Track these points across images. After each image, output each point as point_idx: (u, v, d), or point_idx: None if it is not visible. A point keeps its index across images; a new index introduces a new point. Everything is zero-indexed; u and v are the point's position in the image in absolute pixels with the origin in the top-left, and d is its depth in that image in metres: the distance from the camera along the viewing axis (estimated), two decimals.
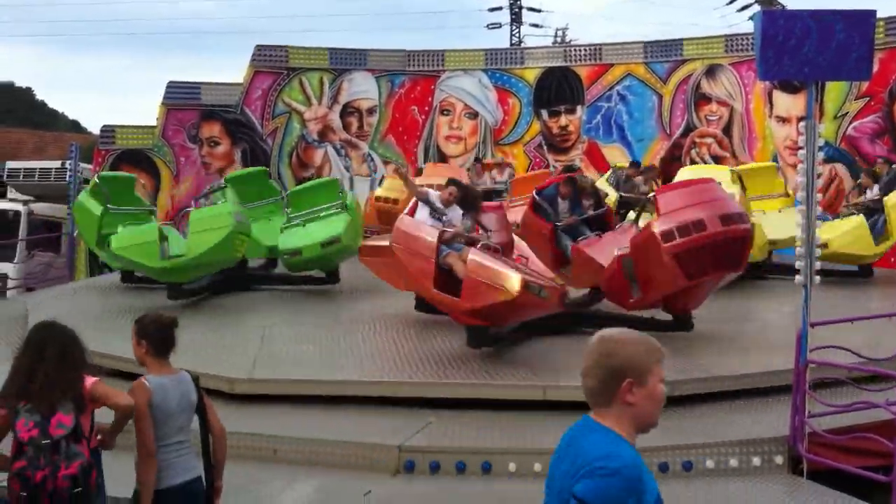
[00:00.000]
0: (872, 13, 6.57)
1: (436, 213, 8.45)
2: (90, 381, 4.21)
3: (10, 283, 14.91)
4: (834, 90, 15.23)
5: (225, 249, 10.33)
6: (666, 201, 8.39)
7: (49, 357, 4.15)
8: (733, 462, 6.16)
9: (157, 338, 4.44)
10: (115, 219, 11.20)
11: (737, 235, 8.19)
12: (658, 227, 8.06)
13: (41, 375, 4.10)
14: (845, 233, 11.43)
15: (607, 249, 8.86)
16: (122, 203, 11.72)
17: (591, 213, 9.99)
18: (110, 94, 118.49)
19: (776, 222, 11.52)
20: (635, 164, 14.91)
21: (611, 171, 14.60)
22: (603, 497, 2.26)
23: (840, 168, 15.20)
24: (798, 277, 6.42)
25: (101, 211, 11.39)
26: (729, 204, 8.51)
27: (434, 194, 8.66)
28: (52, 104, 65.44)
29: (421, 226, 8.31)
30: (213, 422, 4.60)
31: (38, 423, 4.01)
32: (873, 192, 12.19)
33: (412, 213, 8.57)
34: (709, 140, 16.85)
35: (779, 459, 6.17)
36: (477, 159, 16.76)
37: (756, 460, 6.18)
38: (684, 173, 12.28)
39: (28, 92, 64.03)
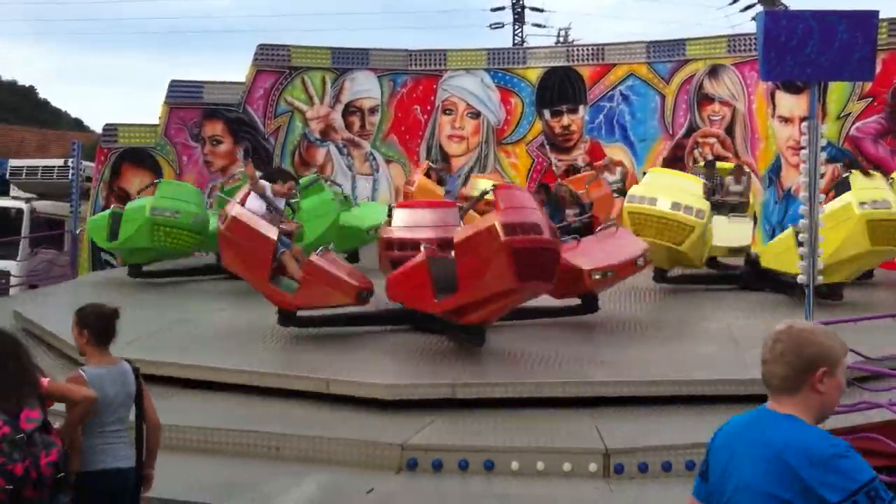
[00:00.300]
0: (875, 13, 6.58)
1: (270, 206, 9.66)
2: (44, 379, 4.28)
3: (14, 281, 14.93)
4: (837, 90, 15.22)
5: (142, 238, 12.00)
6: (506, 196, 8.02)
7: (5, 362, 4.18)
8: None
9: (97, 328, 4.57)
10: None
11: (557, 250, 7.94)
12: (500, 220, 7.49)
13: (2, 378, 4.13)
14: (772, 245, 11.58)
15: (588, 255, 9.03)
16: None
17: (572, 220, 10.22)
18: (114, 93, 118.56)
19: (725, 230, 12.10)
20: (711, 163, 15.03)
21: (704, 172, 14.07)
22: (866, 470, 2.34)
23: (842, 169, 15.17)
24: (801, 277, 6.44)
25: None
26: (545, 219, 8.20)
27: (269, 187, 9.85)
28: (55, 102, 65.49)
29: (258, 220, 9.03)
30: (150, 413, 4.72)
31: (6, 421, 4.06)
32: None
33: (243, 202, 9.37)
34: (711, 140, 16.84)
35: None
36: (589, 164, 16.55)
37: None
38: (653, 175, 12.20)
39: (31, 90, 64.08)
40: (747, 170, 14.74)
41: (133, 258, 12.79)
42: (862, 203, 9.86)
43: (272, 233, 8.77)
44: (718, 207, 12.69)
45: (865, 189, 10.20)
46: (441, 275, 7.77)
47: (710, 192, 12.66)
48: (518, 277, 7.42)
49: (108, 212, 12.92)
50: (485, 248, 7.50)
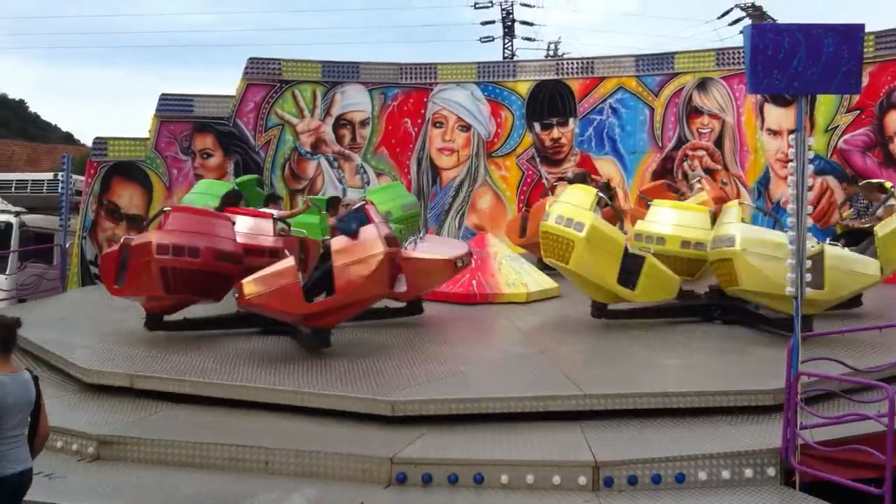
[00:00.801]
0: (861, 27, 6.62)
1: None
2: None
3: (2, 295, 14.86)
4: (825, 103, 15.31)
5: None
6: (176, 219, 9.59)
7: None
8: (726, 474, 6.17)
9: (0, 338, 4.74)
10: None
11: (223, 272, 9.38)
12: (157, 239, 9.28)
13: None
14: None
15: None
16: None
17: None
18: (104, 107, 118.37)
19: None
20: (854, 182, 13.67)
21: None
22: None
23: (831, 181, 15.26)
24: (788, 289, 6.46)
25: None
26: (228, 244, 9.60)
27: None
28: (45, 116, 65.34)
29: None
30: (43, 420, 4.96)
31: None
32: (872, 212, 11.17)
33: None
34: (700, 153, 16.92)
35: (771, 471, 6.18)
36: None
37: (748, 472, 6.19)
38: (566, 192, 10.92)
39: (22, 104, 63.97)
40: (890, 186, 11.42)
41: None
42: None
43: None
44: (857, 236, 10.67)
45: None
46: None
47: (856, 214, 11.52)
48: (166, 290, 9.23)
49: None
50: (144, 258, 9.20)
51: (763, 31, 6.80)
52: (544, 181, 17.39)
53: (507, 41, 43.27)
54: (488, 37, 43.39)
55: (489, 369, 8.31)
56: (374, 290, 8.92)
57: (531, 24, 44.37)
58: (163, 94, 16.96)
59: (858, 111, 15.14)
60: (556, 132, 17.71)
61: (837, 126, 15.31)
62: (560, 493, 6.08)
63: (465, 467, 6.28)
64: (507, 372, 8.11)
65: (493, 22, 43.37)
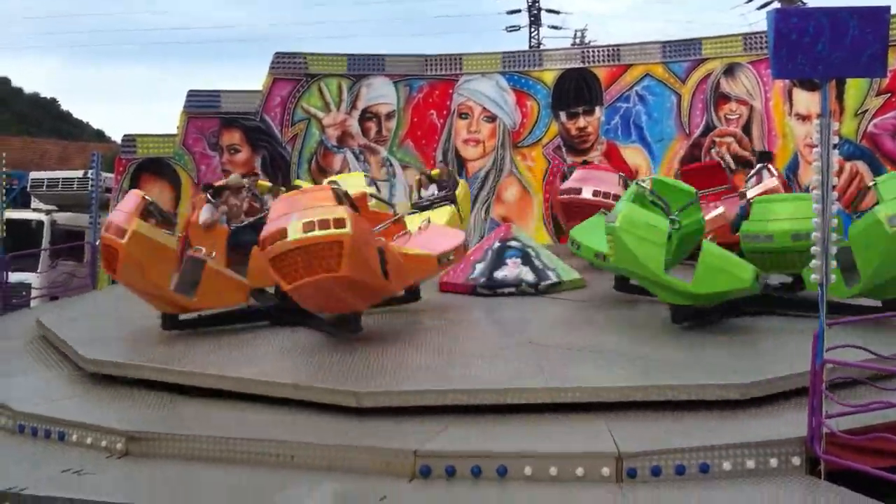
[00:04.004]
0: (886, 9, 6.51)
1: None
2: None
3: (34, 293, 15.09)
4: (854, 87, 15.12)
5: None
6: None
7: None
8: (750, 464, 6.12)
9: None
10: None
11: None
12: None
13: None
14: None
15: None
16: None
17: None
18: (135, 104, 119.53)
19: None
20: None
21: None
22: None
23: (861, 165, 15.08)
24: (813, 276, 6.39)
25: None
26: None
27: None
28: (77, 114, 66.15)
29: None
30: None
31: None
32: None
33: None
34: (728, 139, 16.77)
35: (796, 461, 6.13)
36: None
37: (773, 462, 6.14)
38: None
39: (53, 102, 64.75)
40: None
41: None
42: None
43: None
44: None
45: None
46: None
47: None
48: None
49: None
50: None
51: (787, 15, 6.71)
52: (566, 170, 17.30)
53: (533, 30, 43.13)
54: (514, 26, 43.30)
55: (509, 360, 8.29)
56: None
57: (557, 13, 44.13)
58: (190, 91, 17.11)
59: (888, 94, 14.94)
60: (582, 121, 17.62)
61: (867, 110, 15.12)
62: (583, 485, 6.07)
63: (489, 459, 6.28)
64: (527, 363, 8.10)
65: (518, 11, 43.27)
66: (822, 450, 5.99)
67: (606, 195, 12.62)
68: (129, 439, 7.11)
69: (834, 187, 6.52)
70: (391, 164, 17.81)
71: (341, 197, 8.33)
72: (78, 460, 6.90)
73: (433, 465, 6.32)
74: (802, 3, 34.94)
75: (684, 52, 17.32)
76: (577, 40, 42.93)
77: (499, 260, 11.65)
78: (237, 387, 7.89)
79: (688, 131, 17.01)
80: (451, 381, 7.54)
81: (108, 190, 17.03)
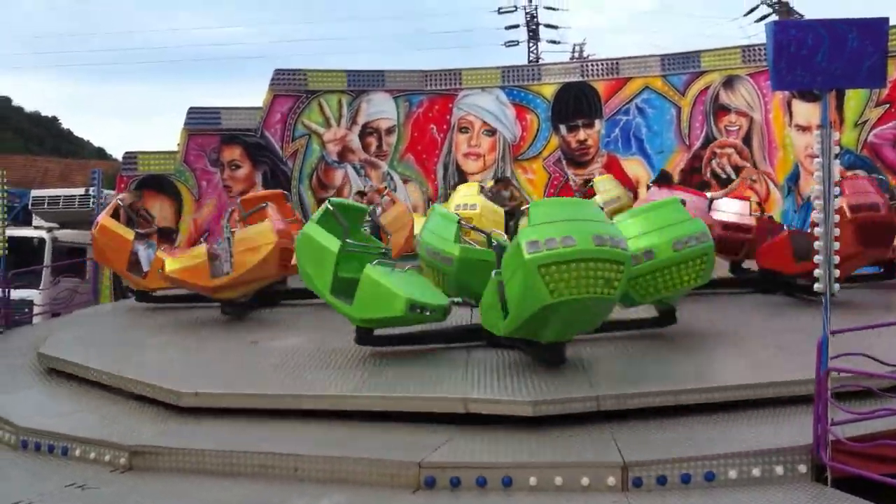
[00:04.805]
0: (885, 21, 6.54)
1: None
2: None
3: (37, 310, 15.09)
4: (854, 98, 15.17)
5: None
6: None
7: None
8: (756, 472, 6.12)
9: None
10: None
11: None
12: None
13: None
14: None
15: None
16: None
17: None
18: (135, 122, 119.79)
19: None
20: None
21: None
22: None
23: (862, 175, 15.09)
24: (817, 285, 6.39)
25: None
26: None
27: None
28: (78, 132, 66.32)
29: None
30: None
31: None
32: None
33: None
34: (729, 151, 16.81)
35: (802, 468, 6.12)
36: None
37: (779, 469, 6.13)
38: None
39: (54, 121, 64.92)
40: None
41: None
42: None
43: None
44: None
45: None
46: None
47: None
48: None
49: (491, 286, 8.11)
50: None
51: (785, 27, 6.74)
52: (571, 183, 17.35)
53: (531, 45, 43.26)
54: (513, 41, 43.41)
55: (513, 370, 8.29)
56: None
57: (555, 27, 44.22)
58: (191, 108, 17.18)
59: (888, 105, 14.98)
60: (582, 134, 17.67)
61: (867, 120, 15.16)
62: (589, 495, 6.06)
63: (493, 470, 6.28)
64: (532, 372, 8.09)
65: (517, 26, 43.42)
66: (828, 457, 5.98)
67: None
68: (132, 454, 7.11)
69: (835, 196, 6.55)
70: (392, 179, 17.84)
71: None
72: (81, 475, 6.90)
73: (438, 476, 6.32)
74: (800, 15, 35.10)
75: (683, 64, 17.38)
76: (576, 54, 43.06)
77: None
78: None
79: (688, 143, 17.05)
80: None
81: None
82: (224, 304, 11.31)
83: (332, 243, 8.96)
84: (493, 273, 8.08)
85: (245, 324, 10.99)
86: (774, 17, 35.30)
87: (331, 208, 9.48)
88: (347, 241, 9.33)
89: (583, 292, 7.21)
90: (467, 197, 14.15)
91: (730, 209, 12.44)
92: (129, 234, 12.43)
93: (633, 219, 8.85)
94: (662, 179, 14.11)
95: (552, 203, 8.93)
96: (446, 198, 17.40)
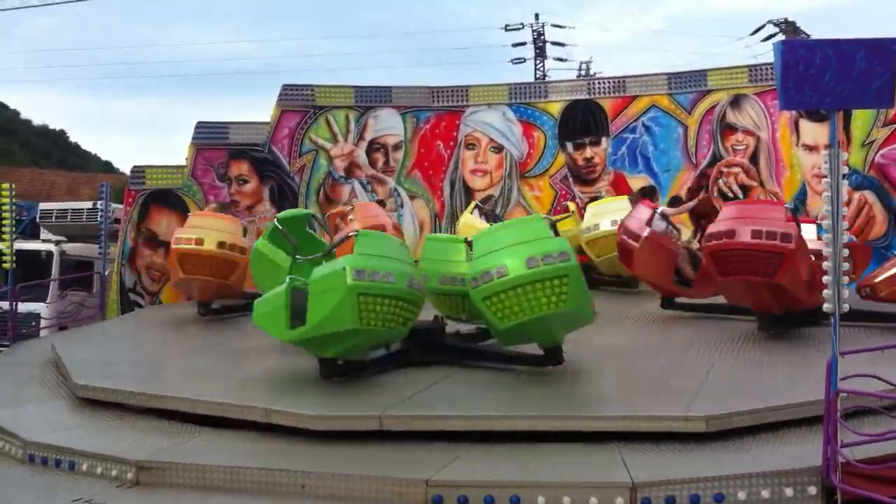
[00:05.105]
0: (893, 40, 6.56)
1: None
2: None
3: (44, 323, 15.11)
4: (861, 118, 15.17)
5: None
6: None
7: None
8: (765, 493, 6.09)
9: None
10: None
11: None
12: None
13: None
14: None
15: None
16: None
17: None
18: (143, 136, 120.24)
19: None
20: None
21: None
22: None
23: (869, 195, 15.10)
24: (826, 305, 6.38)
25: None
26: None
27: None
28: (85, 146, 66.59)
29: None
30: None
31: None
32: None
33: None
34: (736, 170, 16.80)
35: (812, 490, 6.09)
36: None
37: (788, 491, 6.10)
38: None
39: (62, 134, 65.14)
40: None
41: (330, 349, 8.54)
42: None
43: None
44: None
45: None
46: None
47: None
48: None
49: (283, 288, 8.48)
50: None
51: (794, 47, 6.76)
52: (578, 200, 17.36)
53: (538, 62, 43.41)
54: (520, 58, 43.57)
55: (519, 387, 8.29)
56: None
57: (562, 45, 44.34)
58: (199, 122, 17.19)
59: (895, 125, 14.98)
60: (588, 152, 17.69)
61: (874, 140, 15.16)
62: None
63: (502, 489, 6.25)
64: (539, 390, 8.09)
65: (524, 44, 43.55)
66: (838, 479, 5.95)
67: (772, 235, 9.42)
68: (139, 469, 7.10)
69: (843, 217, 6.55)
70: (399, 195, 17.86)
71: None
72: (88, 490, 6.89)
73: (445, 494, 6.30)
74: (806, 35, 35.18)
75: (690, 83, 17.40)
76: (583, 72, 43.19)
77: None
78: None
79: (694, 161, 17.06)
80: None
81: (117, 221, 17.09)
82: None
83: (282, 259, 9.39)
84: (287, 278, 8.57)
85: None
86: (781, 37, 35.37)
87: (279, 227, 9.62)
88: (297, 256, 9.53)
89: (382, 325, 8.05)
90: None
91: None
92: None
93: (492, 234, 8.61)
94: (643, 194, 14.20)
95: (379, 237, 8.93)
96: (453, 216, 17.47)
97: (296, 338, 8.29)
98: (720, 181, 16.78)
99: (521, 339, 8.52)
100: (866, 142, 15.22)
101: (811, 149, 15.83)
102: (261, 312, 8.58)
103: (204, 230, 12.57)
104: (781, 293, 9.57)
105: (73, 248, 17.57)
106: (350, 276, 7.84)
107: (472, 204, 16.06)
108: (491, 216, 15.06)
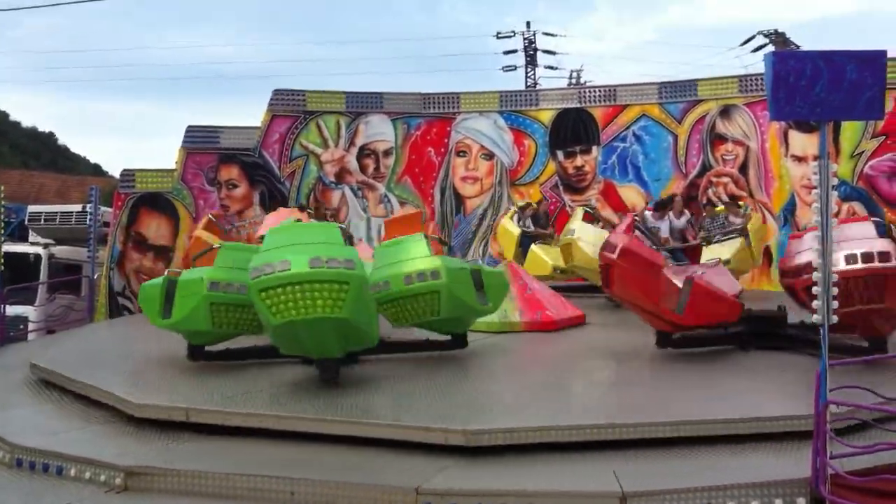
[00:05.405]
0: (883, 53, 6.59)
1: None
2: None
3: (32, 326, 15.03)
4: (850, 129, 15.28)
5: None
6: None
7: None
8: None
9: None
10: None
11: None
12: None
13: None
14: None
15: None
16: None
17: None
18: (132, 139, 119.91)
19: None
20: None
21: None
22: None
23: (857, 206, 15.19)
24: (815, 317, 6.40)
25: None
26: None
27: None
28: (74, 148, 66.35)
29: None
30: None
31: None
32: None
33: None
34: (725, 179, 16.89)
35: (801, 501, 6.10)
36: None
37: (778, 502, 6.11)
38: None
39: (51, 136, 64.88)
40: None
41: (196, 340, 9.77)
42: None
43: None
44: None
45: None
46: None
47: None
48: None
49: (161, 279, 9.64)
50: None
51: (784, 58, 6.78)
52: (567, 209, 17.40)
53: (529, 70, 43.49)
54: (511, 66, 43.64)
55: (515, 398, 8.29)
56: None
57: (553, 53, 44.45)
58: (189, 126, 17.19)
59: (884, 137, 15.09)
60: (579, 160, 17.76)
61: (863, 152, 15.26)
62: None
63: (492, 498, 6.25)
64: (534, 400, 8.09)
65: (515, 51, 43.65)
66: (827, 490, 5.97)
67: (869, 257, 8.80)
68: (128, 474, 7.05)
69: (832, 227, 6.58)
70: (389, 201, 17.87)
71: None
72: (76, 495, 6.84)
73: (436, 502, 6.28)
74: (795, 46, 35.36)
75: (680, 93, 17.51)
76: (573, 80, 43.31)
77: None
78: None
79: (684, 171, 17.14)
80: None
81: (106, 224, 17.04)
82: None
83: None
84: (166, 271, 9.91)
85: None
86: (771, 48, 35.54)
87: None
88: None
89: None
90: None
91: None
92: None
93: (287, 231, 8.69)
94: (661, 205, 14.23)
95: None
96: (443, 222, 17.49)
97: (165, 327, 9.47)
98: (710, 191, 16.85)
99: (294, 345, 8.45)
100: (855, 153, 15.32)
101: (800, 159, 15.94)
102: (143, 297, 9.74)
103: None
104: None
105: (62, 252, 17.48)
106: (205, 287, 9.10)
107: (512, 210, 16.14)
108: (543, 217, 15.81)
